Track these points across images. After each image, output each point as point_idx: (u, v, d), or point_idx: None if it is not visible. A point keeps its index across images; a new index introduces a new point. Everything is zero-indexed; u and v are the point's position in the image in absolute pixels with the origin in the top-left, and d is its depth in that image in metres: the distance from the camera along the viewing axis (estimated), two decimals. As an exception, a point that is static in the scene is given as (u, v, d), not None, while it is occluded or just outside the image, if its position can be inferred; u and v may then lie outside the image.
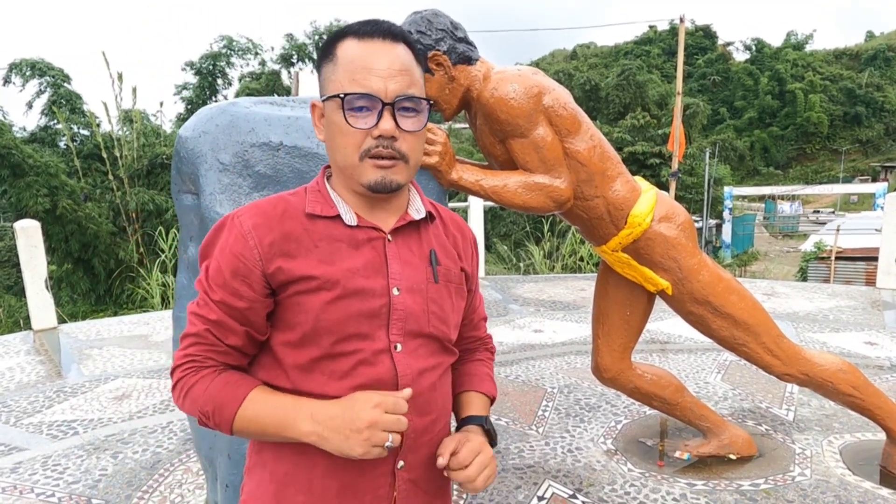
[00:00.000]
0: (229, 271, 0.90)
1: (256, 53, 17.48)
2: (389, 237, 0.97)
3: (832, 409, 3.14)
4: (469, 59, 2.01)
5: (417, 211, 1.02)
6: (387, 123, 0.90)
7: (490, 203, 4.10)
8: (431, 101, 0.97)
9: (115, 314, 8.49)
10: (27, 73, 12.80)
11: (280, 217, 0.93)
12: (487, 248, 11.23)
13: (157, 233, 9.44)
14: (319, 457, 0.91)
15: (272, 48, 17.36)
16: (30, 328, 5.47)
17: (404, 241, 0.99)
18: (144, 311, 7.61)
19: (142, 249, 11.26)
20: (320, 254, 0.92)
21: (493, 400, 1.15)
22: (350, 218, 0.96)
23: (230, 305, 0.91)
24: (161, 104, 20.85)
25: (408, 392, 0.89)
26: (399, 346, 0.95)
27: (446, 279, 1.02)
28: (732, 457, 2.60)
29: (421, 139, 0.97)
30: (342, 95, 0.90)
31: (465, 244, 1.10)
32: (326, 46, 0.95)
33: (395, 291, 0.95)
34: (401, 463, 0.97)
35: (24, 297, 5.75)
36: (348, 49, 0.92)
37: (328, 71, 0.94)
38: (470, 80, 2.02)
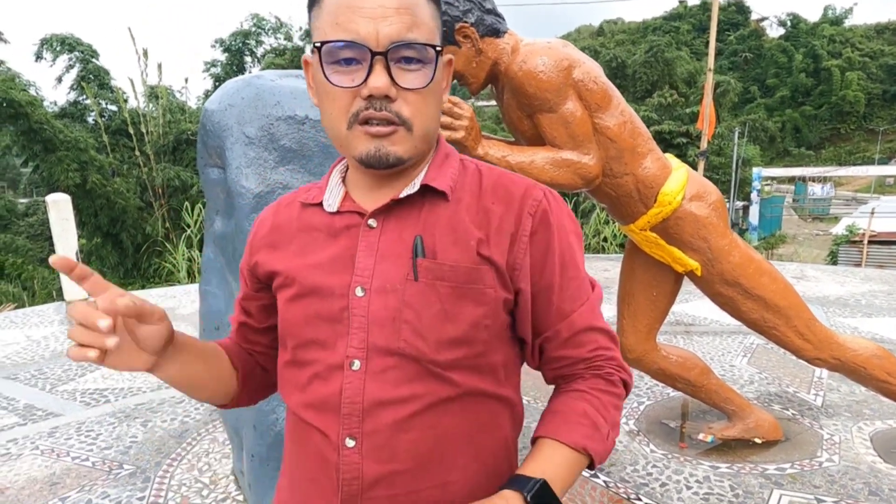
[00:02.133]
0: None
1: (287, 32, 17.40)
2: (372, 222, 0.76)
3: (863, 395, 3.08)
4: (497, 32, 1.96)
5: (413, 186, 0.77)
6: (378, 80, 0.68)
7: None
8: (439, 48, 0.72)
9: (143, 287, 8.69)
10: (57, 49, 12.97)
11: (286, 206, 0.85)
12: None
13: (182, 208, 9.60)
14: (284, 477, 0.85)
15: (300, 28, 17.20)
16: (62, 299, 5.63)
17: (395, 227, 0.76)
18: (171, 285, 7.77)
19: (168, 224, 11.47)
20: (296, 246, 0.80)
21: (591, 459, 0.76)
22: (331, 203, 0.79)
23: (242, 299, 0.91)
24: (186, 80, 21.03)
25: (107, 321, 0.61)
26: (357, 364, 0.73)
27: (435, 276, 0.73)
28: (758, 440, 2.57)
29: (429, 99, 0.73)
30: (319, 45, 0.70)
31: (506, 218, 0.77)
32: None
33: (357, 291, 0.74)
34: None
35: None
36: None
37: (314, 18, 0.73)
38: (498, 53, 1.97)
